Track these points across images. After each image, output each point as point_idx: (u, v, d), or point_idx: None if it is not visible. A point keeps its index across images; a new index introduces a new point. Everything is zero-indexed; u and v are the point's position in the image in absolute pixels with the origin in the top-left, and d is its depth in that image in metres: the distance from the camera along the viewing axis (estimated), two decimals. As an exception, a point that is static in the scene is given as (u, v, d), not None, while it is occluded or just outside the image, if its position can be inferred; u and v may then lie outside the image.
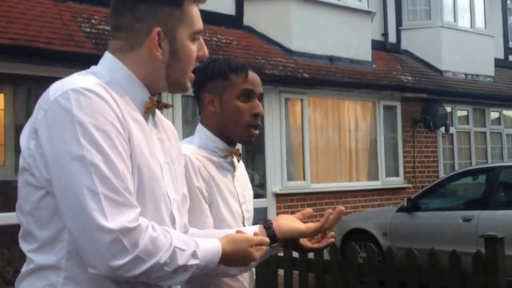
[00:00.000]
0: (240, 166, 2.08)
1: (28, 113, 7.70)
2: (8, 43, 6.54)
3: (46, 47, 6.82)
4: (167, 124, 1.64)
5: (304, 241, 1.82)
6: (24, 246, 1.45)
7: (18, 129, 7.37)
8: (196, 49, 1.57)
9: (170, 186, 1.50)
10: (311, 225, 1.76)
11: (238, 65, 1.97)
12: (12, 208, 6.25)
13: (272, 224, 1.73)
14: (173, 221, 1.49)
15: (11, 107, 7.35)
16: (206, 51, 1.59)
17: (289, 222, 1.75)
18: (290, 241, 1.78)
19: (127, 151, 1.37)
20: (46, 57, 6.81)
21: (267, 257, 1.91)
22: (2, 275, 6.53)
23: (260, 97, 2.00)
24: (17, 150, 7.29)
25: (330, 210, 1.79)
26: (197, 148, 1.94)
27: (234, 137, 1.98)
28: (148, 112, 1.50)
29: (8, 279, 6.57)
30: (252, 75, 1.96)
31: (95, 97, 1.37)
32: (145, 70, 1.51)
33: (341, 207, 1.75)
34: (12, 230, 6.82)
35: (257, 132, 1.99)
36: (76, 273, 1.36)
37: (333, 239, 1.86)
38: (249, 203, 2.06)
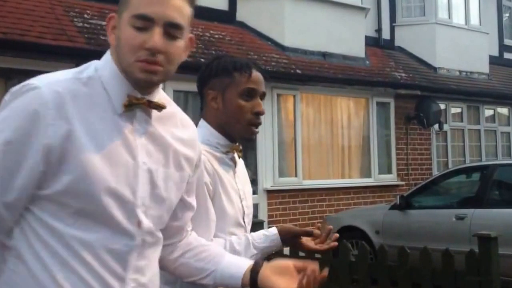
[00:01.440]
0: (240, 162, 2.10)
1: (19, 108, 7.68)
2: (0, 37, 6.49)
3: (38, 41, 6.78)
4: (182, 126, 1.59)
5: (307, 240, 1.89)
6: None
7: (9, 124, 7.32)
8: (135, 35, 1.41)
9: (144, 187, 1.45)
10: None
11: (242, 64, 1.98)
12: None
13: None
14: (137, 222, 1.44)
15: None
16: (154, 39, 1.40)
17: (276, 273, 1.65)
18: (291, 239, 1.86)
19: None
20: (38, 51, 6.78)
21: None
22: None
23: (263, 96, 2.02)
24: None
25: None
26: (202, 144, 1.95)
27: (234, 134, 1.99)
28: (126, 110, 1.43)
29: None
30: (256, 74, 1.98)
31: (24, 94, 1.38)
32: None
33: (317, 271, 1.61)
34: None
35: (257, 130, 2.01)
36: None
37: (336, 243, 1.92)
38: (249, 199, 2.08)
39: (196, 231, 1.76)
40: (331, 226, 1.99)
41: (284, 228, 1.93)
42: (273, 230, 1.95)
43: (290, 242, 1.91)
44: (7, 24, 6.75)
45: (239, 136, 2.00)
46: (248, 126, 1.97)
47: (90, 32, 7.45)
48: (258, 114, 1.97)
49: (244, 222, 2.01)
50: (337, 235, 1.92)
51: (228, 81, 1.96)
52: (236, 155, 2.03)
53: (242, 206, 2.01)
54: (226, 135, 1.99)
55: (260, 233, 1.95)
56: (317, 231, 2.02)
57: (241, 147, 2.05)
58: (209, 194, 1.89)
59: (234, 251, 1.86)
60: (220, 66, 1.99)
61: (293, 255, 4.99)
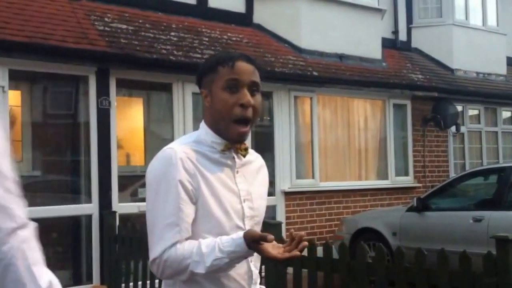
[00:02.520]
0: (252, 162, 2.05)
1: (44, 110, 7.81)
2: (24, 40, 6.63)
3: (61, 44, 6.90)
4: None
5: (268, 246, 1.78)
6: None
7: (34, 126, 7.48)
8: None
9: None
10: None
11: (226, 57, 1.93)
12: (29, 203, 6.31)
13: None
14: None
15: (28, 104, 7.45)
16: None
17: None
18: (253, 244, 1.78)
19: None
20: (60, 54, 6.90)
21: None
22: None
23: (253, 87, 1.92)
24: (34, 146, 7.41)
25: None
26: (191, 142, 1.94)
27: (224, 134, 1.93)
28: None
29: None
30: (240, 65, 1.90)
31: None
32: None
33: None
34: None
35: (246, 129, 1.91)
36: None
37: (299, 253, 1.81)
38: (257, 201, 2.00)
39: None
40: (302, 233, 1.87)
41: (247, 232, 1.80)
42: (240, 234, 1.81)
43: (254, 248, 1.78)
44: (30, 28, 6.88)
45: (228, 137, 1.93)
46: (233, 124, 1.89)
47: (110, 36, 7.57)
48: (243, 105, 1.88)
49: (243, 224, 1.94)
50: (305, 243, 1.79)
51: (213, 76, 1.92)
52: (237, 155, 1.97)
53: (242, 207, 1.94)
54: (221, 134, 1.94)
55: (229, 236, 1.83)
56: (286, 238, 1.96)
57: (246, 146, 1.98)
58: (188, 193, 1.85)
59: (200, 254, 1.81)
60: (207, 63, 1.97)
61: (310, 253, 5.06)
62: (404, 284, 4.45)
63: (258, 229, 2.01)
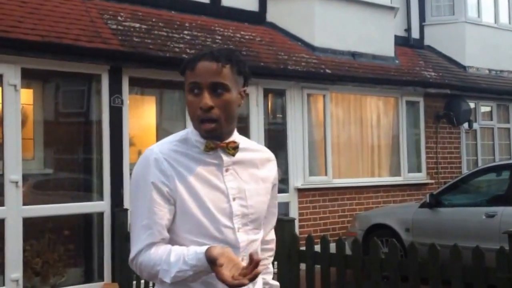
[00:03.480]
0: (252, 158, 2.00)
1: (57, 108, 7.88)
2: (37, 39, 6.67)
3: (75, 43, 6.94)
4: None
5: (226, 268, 1.66)
6: None
7: (46, 124, 7.54)
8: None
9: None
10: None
11: (191, 58, 1.89)
12: (41, 201, 6.39)
13: None
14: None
15: (40, 102, 7.51)
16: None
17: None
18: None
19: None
20: (74, 53, 6.94)
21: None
22: (31, 266, 6.68)
23: (216, 87, 1.84)
24: (46, 144, 7.47)
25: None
26: (174, 141, 1.93)
27: (197, 130, 1.93)
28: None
29: (37, 270, 6.72)
30: (201, 66, 1.85)
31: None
32: None
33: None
34: (41, 222, 7.02)
35: (212, 126, 1.86)
36: None
37: (247, 281, 1.65)
38: (253, 198, 1.95)
39: None
40: (260, 257, 1.79)
41: (208, 249, 1.72)
42: (203, 249, 1.75)
43: (210, 266, 1.71)
44: (44, 27, 6.93)
45: (200, 134, 1.92)
46: (199, 123, 1.87)
47: (123, 34, 7.61)
48: (201, 108, 1.84)
49: (232, 223, 1.89)
50: (259, 270, 1.67)
51: (184, 79, 1.91)
52: (225, 153, 1.92)
53: (230, 206, 1.90)
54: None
55: (195, 249, 1.77)
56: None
57: (236, 144, 1.94)
58: (162, 195, 1.84)
59: (168, 263, 1.78)
60: (180, 67, 1.94)
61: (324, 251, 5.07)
62: (417, 280, 4.45)
63: (254, 226, 1.96)
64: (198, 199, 1.86)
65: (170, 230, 1.88)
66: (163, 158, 1.87)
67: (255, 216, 1.97)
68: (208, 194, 1.88)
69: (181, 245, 1.86)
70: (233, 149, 1.93)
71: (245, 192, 1.94)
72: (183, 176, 1.86)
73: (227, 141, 1.93)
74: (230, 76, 1.87)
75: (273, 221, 2.20)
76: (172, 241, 1.88)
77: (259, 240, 2.01)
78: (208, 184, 1.89)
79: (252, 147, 2.06)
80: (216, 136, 1.90)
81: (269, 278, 2.18)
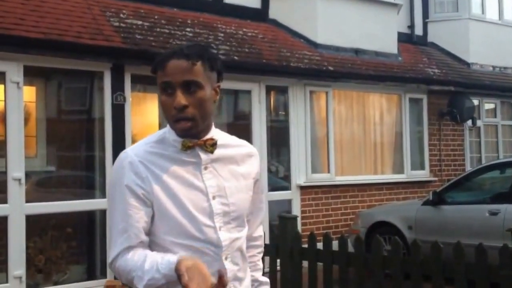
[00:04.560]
0: (232, 155, 1.97)
1: (59, 106, 7.88)
2: (39, 37, 6.67)
3: (77, 41, 6.93)
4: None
5: (193, 285, 1.62)
6: None
7: (49, 122, 7.53)
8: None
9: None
10: None
11: (160, 58, 1.85)
12: (44, 198, 6.39)
13: None
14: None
15: (42, 99, 7.51)
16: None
17: None
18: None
19: None
20: (76, 50, 6.93)
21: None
22: (34, 263, 6.69)
23: (189, 86, 1.82)
24: (49, 141, 7.47)
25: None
26: (151, 142, 1.91)
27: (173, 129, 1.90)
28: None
29: (40, 267, 6.73)
30: (171, 65, 1.82)
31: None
32: None
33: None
34: (44, 220, 7.02)
35: (188, 124, 1.83)
36: None
37: None
38: (234, 196, 1.92)
39: None
40: (227, 281, 1.76)
41: (179, 261, 1.69)
42: (175, 258, 1.71)
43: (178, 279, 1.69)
44: (46, 25, 6.92)
45: (176, 133, 1.89)
46: (174, 123, 1.85)
47: (126, 32, 7.60)
48: (175, 108, 1.81)
49: (214, 222, 1.86)
50: None
51: (156, 78, 1.87)
52: (203, 151, 1.89)
53: (210, 205, 1.87)
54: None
55: (169, 257, 1.73)
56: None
57: (214, 141, 1.90)
58: (137, 198, 1.82)
59: (142, 270, 1.75)
60: (154, 62, 1.89)
61: (326, 248, 5.06)
62: (419, 277, 4.45)
63: (237, 224, 1.93)
64: (176, 199, 1.84)
65: (150, 232, 1.86)
66: (138, 161, 1.85)
67: (237, 213, 1.93)
68: (187, 194, 1.85)
69: (162, 247, 1.84)
70: (211, 146, 1.90)
71: (225, 189, 1.91)
72: (159, 177, 1.84)
73: (204, 138, 1.90)
74: (202, 73, 1.84)
75: (261, 217, 2.15)
76: (153, 243, 1.86)
77: (243, 238, 1.97)
78: (187, 184, 1.86)
79: (232, 142, 2.01)
80: (192, 134, 1.87)
81: (258, 275, 2.14)
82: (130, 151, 1.89)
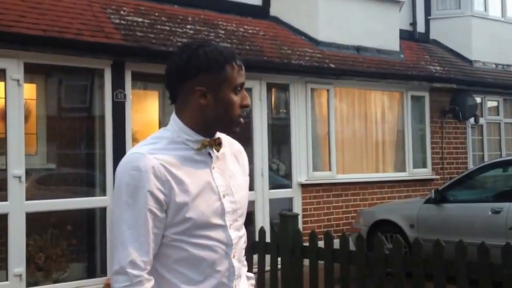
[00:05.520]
0: (228, 153, 1.96)
1: (59, 103, 7.86)
2: (40, 34, 6.65)
3: (77, 38, 6.91)
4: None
5: None
6: None
7: (49, 119, 7.52)
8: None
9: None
10: None
11: (231, 56, 1.86)
12: (44, 196, 6.38)
13: None
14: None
15: (43, 97, 7.50)
16: None
17: None
18: None
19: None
20: (76, 48, 6.91)
21: None
22: (34, 261, 6.67)
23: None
24: (49, 139, 7.46)
25: None
26: (165, 144, 1.84)
27: (222, 129, 1.91)
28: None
29: (40, 265, 6.72)
30: (242, 67, 1.89)
31: None
32: None
33: None
34: (44, 217, 7.01)
35: (242, 122, 1.92)
36: None
37: None
38: (238, 193, 1.93)
39: None
40: None
41: None
42: None
43: None
44: (46, 22, 6.90)
45: (226, 131, 1.92)
46: (237, 119, 1.89)
47: (126, 29, 7.57)
48: (245, 107, 1.89)
49: (224, 220, 1.87)
50: None
51: (222, 76, 1.82)
52: (213, 150, 1.89)
53: (222, 203, 1.86)
54: (204, 131, 1.87)
55: None
56: None
57: (220, 140, 1.91)
58: (158, 202, 1.76)
59: None
60: (210, 60, 1.82)
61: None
62: (421, 276, 4.41)
63: (242, 221, 1.95)
64: (193, 201, 1.81)
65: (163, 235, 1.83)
66: (159, 164, 1.78)
67: (242, 210, 1.95)
68: (202, 195, 1.83)
69: (171, 246, 1.81)
70: (218, 145, 1.91)
71: (231, 188, 1.91)
72: (178, 179, 1.80)
73: (214, 137, 1.91)
74: None
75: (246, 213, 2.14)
76: (163, 246, 1.82)
77: (245, 235, 1.98)
78: (201, 185, 1.84)
79: (225, 139, 1.99)
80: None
81: (245, 270, 2.10)
82: (148, 153, 1.78)
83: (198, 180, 1.83)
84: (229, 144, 2.00)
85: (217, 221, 1.85)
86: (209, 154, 1.89)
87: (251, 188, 8.08)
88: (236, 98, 1.85)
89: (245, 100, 1.88)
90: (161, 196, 1.77)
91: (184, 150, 1.85)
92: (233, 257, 1.89)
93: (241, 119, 1.90)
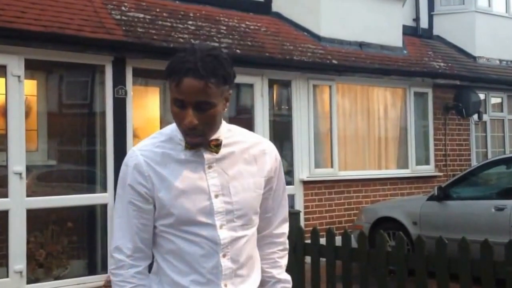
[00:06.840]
0: (238, 155, 1.95)
1: (60, 100, 7.83)
2: (40, 30, 6.62)
3: (78, 34, 6.89)
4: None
5: None
6: None
7: (50, 115, 7.50)
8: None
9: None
10: None
11: (175, 69, 1.78)
12: (44, 193, 6.36)
13: None
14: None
15: (43, 93, 7.48)
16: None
17: None
18: None
19: None
20: (77, 43, 6.88)
21: None
22: (35, 258, 6.66)
23: (201, 105, 1.78)
24: (50, 135, 7.43)
25: None
26: (158, 141, 1.92)
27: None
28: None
29: (40, 262, 6.71)
30: (186, 84, 1.75)
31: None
32: None
33: None
34: (45, 214, 7.00)
35: (195, 140, 1.84)
36: None
37: None
38: (240, 194, 1.92)
39: None
40: None
41: None
42: None
43: None
44: (47, 18, 6.87)
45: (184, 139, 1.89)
46: (184, 135, 1.86)
47: (127, 25, 7.54)
48: (184, 126, 1.82)
49: (214, 220, 1.87)
50: None
51: (168, 84, 1.83)
52: (205, 150, 1.89)
53: (212, 203, 1.88)
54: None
55: None
56: None
57: (219, 142, 1.89)
58: (141, 196, 1.89)
59: None
60: (168, 67, 1.82)
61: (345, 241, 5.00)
62: (424, 273, 4.39)
63: (243, 222, 1.93)
64: (176, 197, 1.87)
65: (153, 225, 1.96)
66: (143, 160, 1.89)
67: (242, 212, 1.93)
68: (188, 192, 1.88)
69: (162, 237, 1.93)
70: (215, 146, 1.90)
71: (229, 188, 1.91)
72: (162, 176, 1.88)
73: (210, 139, 1.90)
74: (216, 91, 1.80)
75: (282, 214, 2.13)
76: (156, 236, 1.95)
77: (248, 237, 1.96)
78: (188, 183, 1.88)
79: (245, 139, 1.99)
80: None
81: (276, 272, 2.12)
82: (137, 150, 1.93)
83: (184, 178, 1.88)
84: (251, 144, 1.99)
85: (204, 219, 1.88)
86: (203, 155, 1.90)
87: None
88: (177, 110, 1.81)
89: (183, 120, 1.80)
90: (142, 190, 1.89)
91: (178, 149, 1.91)
92: (224, 256, 1.89)
93: (189, 135, 1.83)
